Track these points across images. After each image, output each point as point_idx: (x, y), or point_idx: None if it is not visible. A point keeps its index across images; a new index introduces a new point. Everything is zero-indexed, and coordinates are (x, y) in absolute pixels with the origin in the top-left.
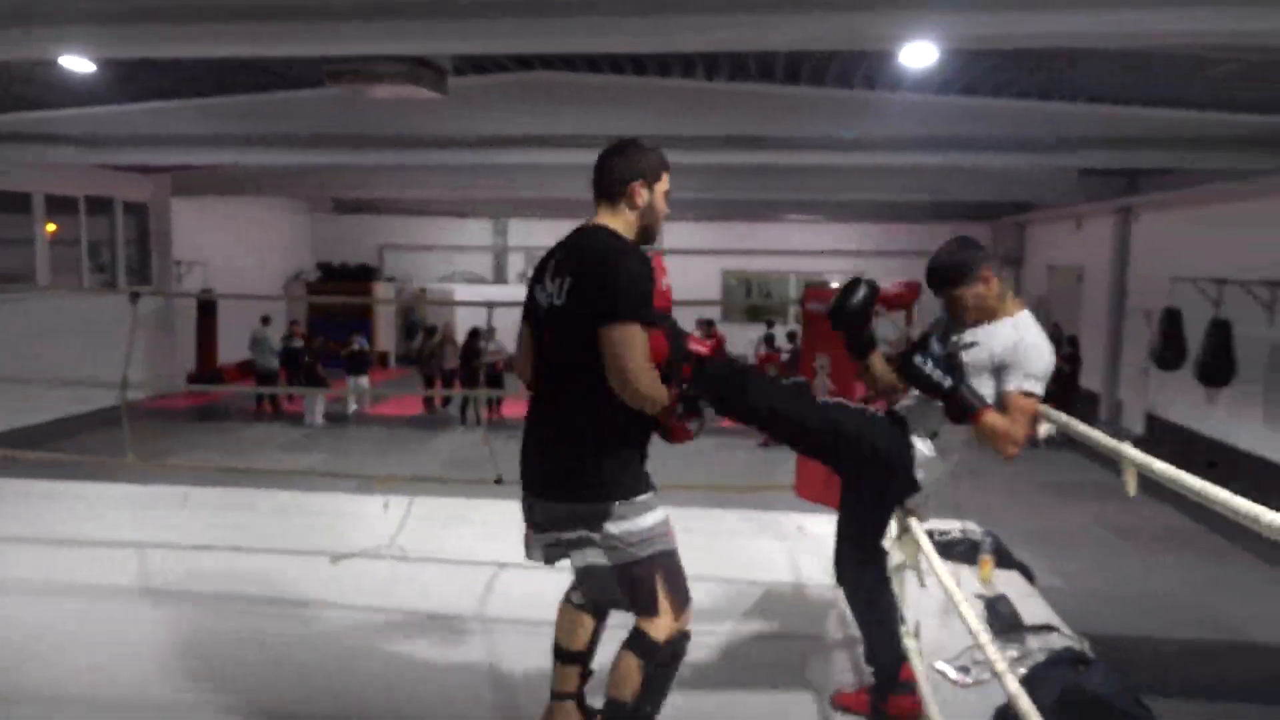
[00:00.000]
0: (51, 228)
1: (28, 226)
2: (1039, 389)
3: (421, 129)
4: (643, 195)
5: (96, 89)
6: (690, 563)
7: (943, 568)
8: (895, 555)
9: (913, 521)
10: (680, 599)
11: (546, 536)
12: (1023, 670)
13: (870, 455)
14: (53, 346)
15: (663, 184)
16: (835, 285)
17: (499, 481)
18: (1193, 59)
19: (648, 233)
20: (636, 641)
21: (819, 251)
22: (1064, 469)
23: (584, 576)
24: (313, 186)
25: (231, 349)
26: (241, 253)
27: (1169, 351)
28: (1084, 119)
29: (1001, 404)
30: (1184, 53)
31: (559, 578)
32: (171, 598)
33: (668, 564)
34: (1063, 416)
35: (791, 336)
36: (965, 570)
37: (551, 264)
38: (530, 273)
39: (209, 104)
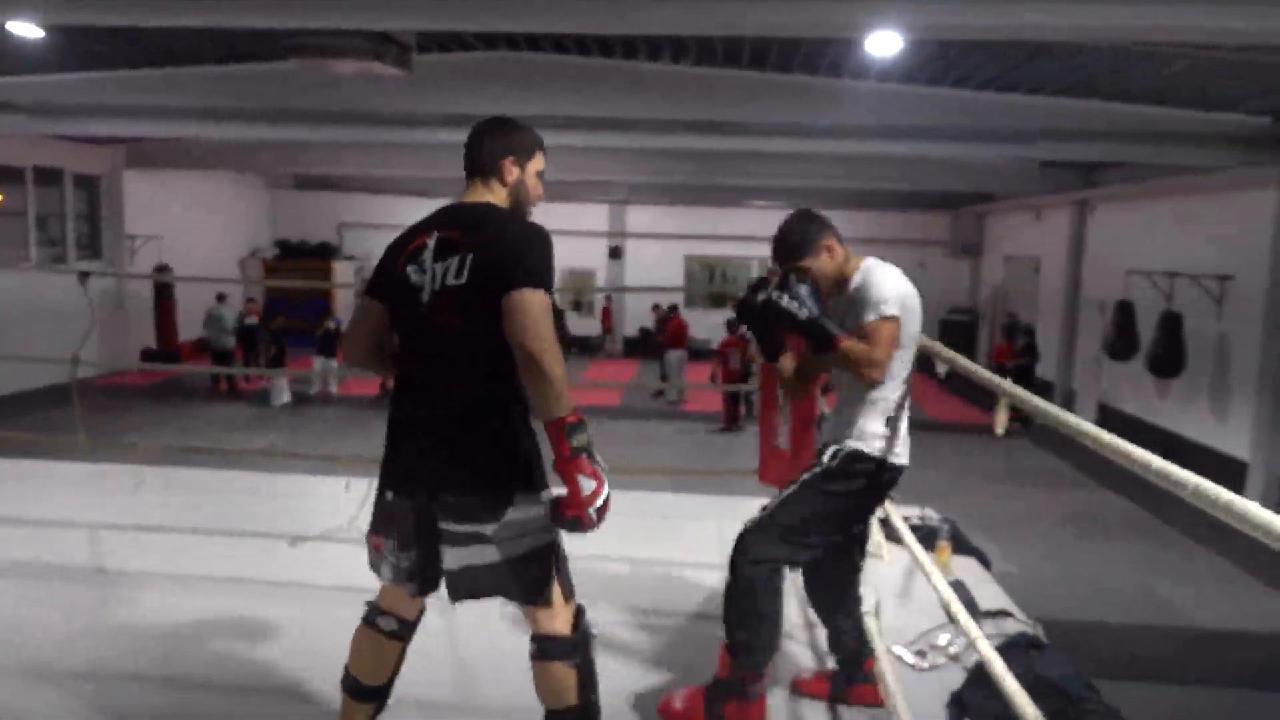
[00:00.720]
0: None
1: None
2: (891, 310)
3: (385, 106)
4: (513, 172)
5: (46, 56)
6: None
7: (933, 567)
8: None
9: (896, 518)
10: (569, 588)
11: (413, 551)
12: (978, 654)
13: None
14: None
15: (535, 163)
16: None
17: None
18: (1154, 55)
19: (518, 212)
20: (548, 648)
21: None
22: (1019, 457)
23: (460, 579)
24: (272, 162)
25: (192, 326)
26: (198, 228)
27: (1121, 343)
28: (1046, 112)
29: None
30: (1143, 49)
31: None
32: (124, 580)
33: (559, 553)
34: (948, 352)
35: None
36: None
37: (432, 244)
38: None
39: (165, 75)
